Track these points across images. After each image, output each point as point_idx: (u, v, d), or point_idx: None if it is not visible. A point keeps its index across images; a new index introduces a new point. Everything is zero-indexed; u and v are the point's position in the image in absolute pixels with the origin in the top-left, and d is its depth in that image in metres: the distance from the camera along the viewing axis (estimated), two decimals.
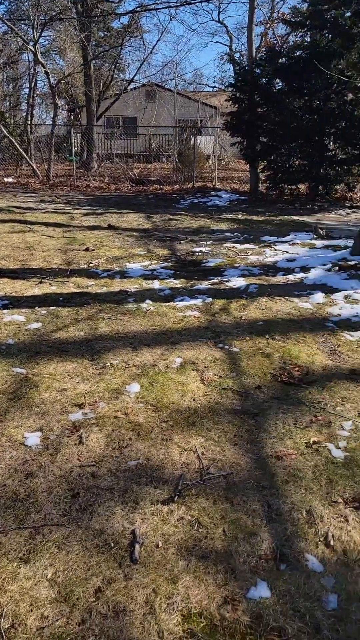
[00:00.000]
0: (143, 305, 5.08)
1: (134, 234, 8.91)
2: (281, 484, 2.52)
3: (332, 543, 2.16)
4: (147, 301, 5.18)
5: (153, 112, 27.77)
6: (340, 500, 2.41)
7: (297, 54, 12.59)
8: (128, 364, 3.75)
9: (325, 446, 2.83)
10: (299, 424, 3.04)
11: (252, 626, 1.78)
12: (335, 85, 11.97)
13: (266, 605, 1.87)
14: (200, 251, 7.62)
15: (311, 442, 2.87)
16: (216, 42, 68.01)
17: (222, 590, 1.92)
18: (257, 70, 13.18)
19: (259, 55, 14.80)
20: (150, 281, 5.95)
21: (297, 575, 2.00)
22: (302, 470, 2.62)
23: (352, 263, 6.32)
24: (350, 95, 12.21)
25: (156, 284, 5.83)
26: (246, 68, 13.61)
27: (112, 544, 2.13)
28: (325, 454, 2.76)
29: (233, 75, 14.26)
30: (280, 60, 12.88)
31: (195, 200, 13.36)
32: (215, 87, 35.00)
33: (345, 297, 5.32)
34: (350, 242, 7.33)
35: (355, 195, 14.00)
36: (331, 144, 13.47)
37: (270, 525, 2.25)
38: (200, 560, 2.05)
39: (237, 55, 20.42)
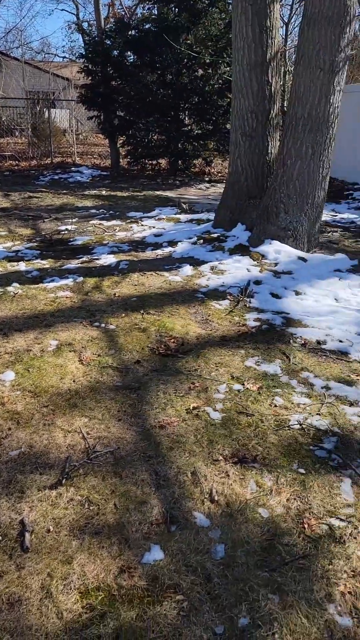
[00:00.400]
0: (10, 288, 4.84)
1: None
2: (166, 450, 2.62)
3: (216, 498, 2.31)
4: (14, 284, 4.94)
5: (0, 83, 25.89)
6: (221, 458, 2.58)
7: (147, 27, 12.53)
8: None
9: (204, 410, 2.98)
10: (179, 392, 3.17)
11: (149, 588, 1.86)
12: (186, 60, 12.18)
13: (160, 566, 1.95)
14: (67, 229, 7.42)
15: (191, 407, 3.01)
16: (62, 9, 65.00)
17: (117, 561, 1.97)
18: (108, 42, 12.89)
19: (108, 26, 14.45)
20: (16, 263, 5.66)
21: (187, 534, 2.12)
22: (184, 436, 2.75)
23: (215, 235, 6.62)
24: (200, 71, 12.53)
25: (22, 266, 5.57)
26: (96, 39, 13.24)
27: (0, 537, 2.06)
28: (204, 418, 2.91)
29: (83, 45, 13.77)
30: (130, 33, 12.72)
31: (56, 177, 12.88)
32: (65, 57, 33.58)
33: (212, 268, 5.57)
34: (211, 216, 7.65)
35: (213, 170, 14.55)
36: (187, 119, 13.77)
37: (159, 492, 2.34)
38: (94, 537, 2.08)
39: (85, 25, 19.70)
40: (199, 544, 2.06)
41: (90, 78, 13.31)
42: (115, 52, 12.97)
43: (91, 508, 2.23)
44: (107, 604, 1.80)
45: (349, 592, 1.86)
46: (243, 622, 1.74)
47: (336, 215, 8.49)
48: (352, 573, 1.93)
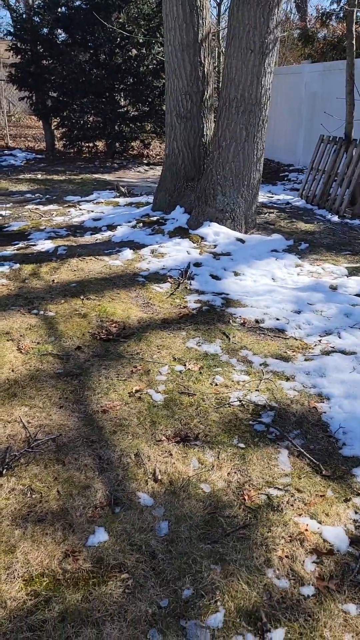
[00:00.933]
0: None
1: None
2: (109, 434, 2.63)
3: (159, 477, 2.35)
4: None
5: None
6: (163, 438, 2.62)
7: (77, 4, 12.13)
8: None
9: (147, 392, 3.01)
10: (121, 376, 3.18)
11: (94, 570, 1.88)
12: (119, 39, 11.91)
13: (105, 547, 1.98)
14: (1, 215, 7.16)
15: (133, 391, 3.03)
16: None
17: (61, 546, 1.98)
18: (37, 19, 12.39)
19: (37, 2, 13.86)
20: None
21: (131, 514, 2.15)
22: (127, 419, 2.77)
23: (154, 218, 6.60)
24: (134, 51, 12.31)
25: None
26: (24, 16, 12.70)
27: None
28: (147, 400, 2.94)
29: (11, 22, 13.16)
30: (60, 10, 12.27)
31: None
32: None
33: (152, 251, 5.57)
34: (151, 199, 7.61)
35: (151, 152, 14.42)
36: (122, 100, 13.52)
37: (103, 475, 2.36)
38: (37, 524, 2.07)
39: (12, 0, 18.67)
40: (144, 523, 2.10)
41: (19, 57, 12.77)
42: (45, 30, 12.50)
43: (34, 496, 2.21)
44: (52, 589, 1.80)
45: (286, 556, 1.95)
46: (187, 594, 1.80)
47: (272, 197, 8.66)
48: (289, 538, 2.03)
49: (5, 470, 2.34)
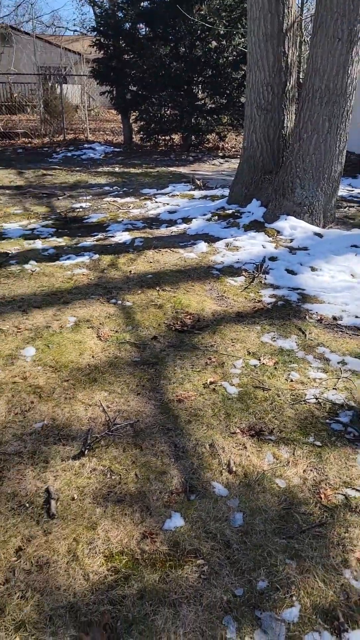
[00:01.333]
0: (27, 266, 4.89)
1: (7, 191, 8.39)
2: (184, 424, 2.68)
3: (234, 469, 2.37)
4: (32, 262, 5.00)
5: (11, 58, 25.55)
6: (238, 431, 2.64)
7: None
8: (20, 328, 3.64)
9: (221, 385, 3.03)
10: (196, 367, 3.22)
11: (171, 553, 1.94)
12: (199, 32, 11.92)
13: (181, 532, 2.03)
14: (81, 207, 7.43)
15: (208, 382, 3.06)
16: None
17: (139, 527, 2.05)
18: (120, 14, 12.65)
19: None
20: (32, 241, 5.71)
21: (206, 502, 2.18)
22: (202, 409, 2.80)
23: (229, 212, 6.58)
24: (214, 43, 12.26)
25: (39, 244, 5.61)
26: (108, 11, 13.00)
27: (27, 505, 2.15)
28: (221, 392, 2.96)
29: (94, 18, 13.53)
30: (142, 4, 12.47)
31: (69, 154, 12.82)
32: (76, 31, 33.03)
33: (227, 244, 5.56)
34: (226, 191, 7.59)
35: (226, 145, 14.35)
36: (200, 92, 13.54)
37: (178, 462, 2.41)
38: (117, 505, 2.15)
39: None
40: (218, 512, 2.13)
41: (102, 52, 13.11)
42: (128, 25, 12.74)
43: (113, 477, 2.31)
44: (131, 567, 1.88)
45: None
46: (262, 585, 1.81)
47: (353, 190, 8.37)
48: None
49: (87, 450, 2.45)
